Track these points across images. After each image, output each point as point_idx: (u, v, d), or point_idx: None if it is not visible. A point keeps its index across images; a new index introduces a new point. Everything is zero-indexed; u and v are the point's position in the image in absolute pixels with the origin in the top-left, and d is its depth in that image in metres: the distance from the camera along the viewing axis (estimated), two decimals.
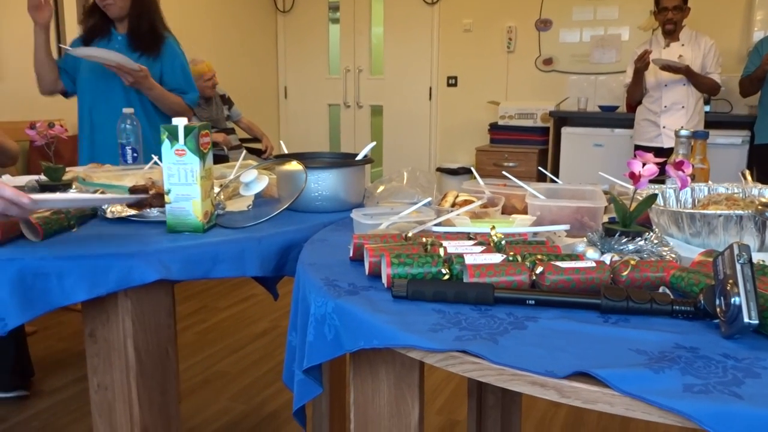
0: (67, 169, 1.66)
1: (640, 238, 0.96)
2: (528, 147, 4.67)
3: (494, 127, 4.87)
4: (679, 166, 0.98)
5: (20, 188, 1.46)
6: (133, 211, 1.28)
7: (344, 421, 1.77)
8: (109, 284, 1.04)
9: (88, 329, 1.17)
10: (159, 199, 1.30)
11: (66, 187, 1.46)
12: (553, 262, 0.85)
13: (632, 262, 0.85)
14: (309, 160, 1.48)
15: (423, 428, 0.89)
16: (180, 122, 1.19)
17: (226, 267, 1.15)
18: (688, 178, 0.99)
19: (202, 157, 1.20)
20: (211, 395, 2.34)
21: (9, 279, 1.01)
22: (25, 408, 2.23)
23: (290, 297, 2.39)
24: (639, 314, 0.77)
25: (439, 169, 5.19)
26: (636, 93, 3.72)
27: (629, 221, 0.99)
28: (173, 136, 1.19)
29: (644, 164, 0.96)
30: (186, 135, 1.18)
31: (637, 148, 3.77)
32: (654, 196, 0.99)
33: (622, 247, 0.95)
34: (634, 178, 0.96)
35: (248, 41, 5.50)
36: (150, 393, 1.16)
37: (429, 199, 1.24)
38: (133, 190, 1.36)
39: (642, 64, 3.50)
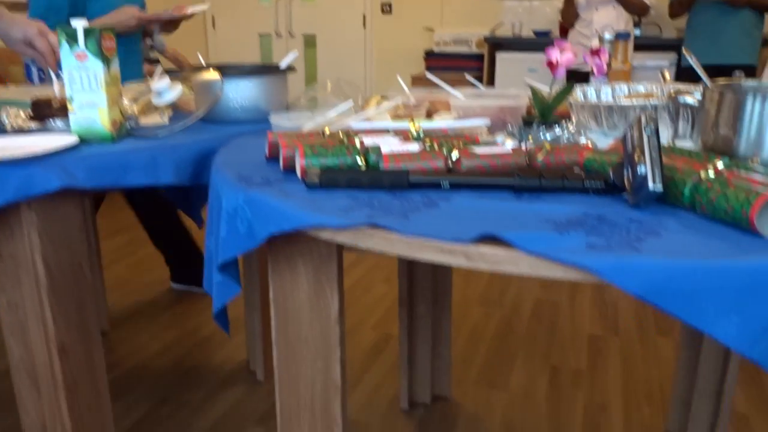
0: None
1: (558, 127, 0.96)
2: (463, 74, 4.64)
3: (430, 55, 4.80)
4: (595, 53, 0.97)
5: None
6: (35, 124, 1.20)
7: None
8: (7, 194, 0.98)
9: None
10: (63, 110, 1.22)
11: None
12: (470, 149, 0.84)
13: (547, 147, 0.85)
14: (229, 69, 1.41)
15: (343, 320, 0.88)
16: (79, 24, 1.10)
17: (138, 175, 1.09)
18: (605, 65, 0.98)
19: (106, 61, 1.12)
20: (141, 325, 2.30)
21: None
22: None
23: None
24: (552, 191, 0.77)
25: None
26: (569, 15, 3.72)
27: (548, 112, 0.99)
28: (72, 39, 1.10)
29: (561, 51, 0.95)
30: (86, 38, 1.10)
31: (570, 72, 3.81)
32: (571, 86, 0.99)
33: (540, 136, 0.95)
34: (552, 66, 0.95)
35: None
36: (65, 310, 1.12)
37: (350, 101, 1.20)
38: (35, 104, 1.26)
39: None
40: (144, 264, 2.90)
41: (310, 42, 5.53)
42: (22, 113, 1.26)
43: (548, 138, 0.95)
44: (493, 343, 2.14)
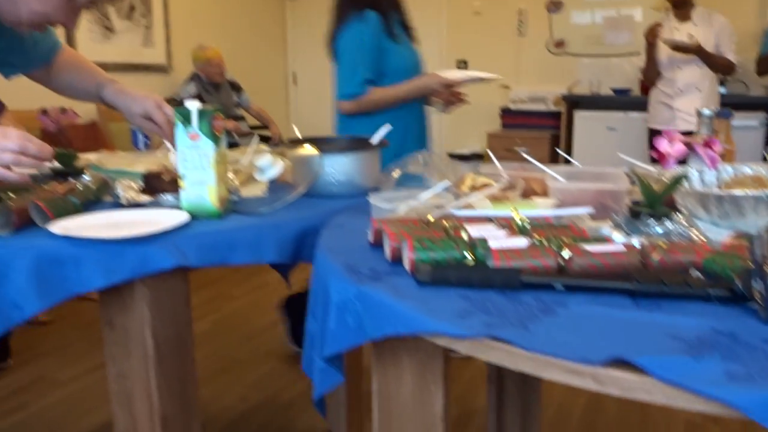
0: (79, 155, 1.64)
1: (667, 220, 0.93)
2: (540, 131, 4.62)
3: (505, 112, 4.82)
4: (708, 144, 0.95)
5: (33, 176, 1.45)
6: (148, 198, 1.27)
7: (361, 408, 1.77)
8: (125, 271, 1.03)
9: (106, 317, 1.15)
10: (173, 185, 1.28)
11: (79, 173, 1.44)
12: (580, 246, 0.83)
13: (663, 245, 0.83)
14: (324, 144, 1.46)
15: (448, 417, 0.87)
16: (193, 106, 1.17)
17: (244, 253, 1.13)
18: (718, 158, 0.96)
19: (216, 140, 1.18)
20: (228, 384, 2.34)
21: (26, 266, 0.99)
22: (42, 396, 2.24)
23: (303, 284, 2.38)
24: (672, 298, 0.75)
25: (449, 155, 5.15)
26: (651, 73, 3.66)
27: (656, 203, 0.97)
28: (186, 120, 1.17)
29: (672, 142, 0.93)
30: (200, 119, 1.16)
31: (652, 131, 3.73)
32: (682, 176, 0.96)
33: (649, 230, 0.93)
34: (662, 157, 0.93)
35: (257, 28, 5.46)
36: (169, 381, 1.15)
37: (447, 182, 1.22)
38: (147, 177, 1.34)
39: (651, 37, 3.45)
40: (229, 321, 2.97)
41: None
42: (134, 185, 1.33)
43: (659, 231, 0.93)
44: (582, 423, 2.05)
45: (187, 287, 1.18)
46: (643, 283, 0.75)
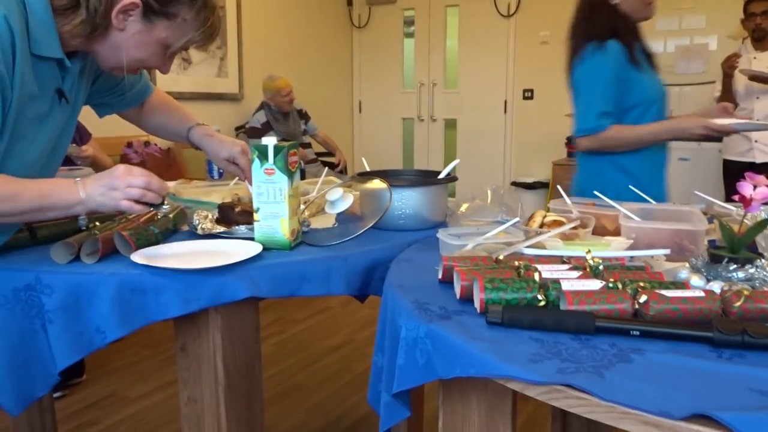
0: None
1: (750, 266, 0.90)
2: None
3: (572, 141, 4.74)
4: None
5: None
6: (222, 228, 1.32)
7: None
8: (202, 300, 1.07)
9: (180, 343, 1.20)
10: (245, 216, 1.33)
11: (160, 203, 1.51)
12: (657, 291, 0.81)
13: (745, 293, 0.80)
14: (392, 178, 1.48)
15: None
16: (270, 141, 1.21)
17: (313, 286, 1.16)
18: None
19: (290, 176, 1.22)
20: (289, 408, 2.37)
21: (110, 294, 1.05)
22: (113, 412, 2.33)
23: (364, 310, 2.40)
24: (756, 349, 0.72)
25: (513, 183, 5.10)
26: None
27: (738, 247, 0.93)
28: (263, 156, 1.21)
29: (755, 186, 0.90)
30: (275, 155, 1.20)
31: (727, 162, 3.59)
32: (767, 221, 0.93)
33: (730, 275, 0.90)
34: (745, 201, 0.90)
35: (324, 56, 5.60)
36: (237, 407, 1.18)
37: (517, 219, 1.21)
38: (221, 208, 1.39)
39: (728, 67, 3.34)
40: (290, 345, 3.02)
41: (450, 125, 5.68)
42: (209, 215, 1.39)
43: (741, 277, 0.89)
44: None
45: (258, 316, 1.21)
46: (725, 332, 0.72)
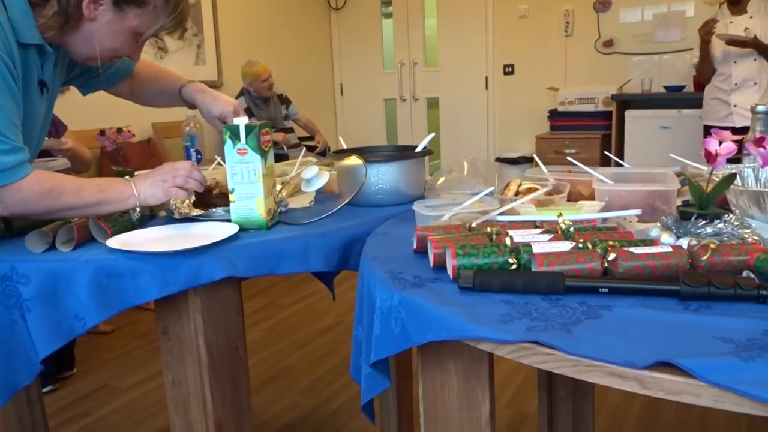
0: (136, 172, 1.71)
1: (719, 221, 0.91)
2: (590, 132, 4.53)
3: (554, 114, 4.75)
4: (760, 142, 0.92)
5: None
6: (199, 211, 1.31)
7: (412, 414, 1.77)
8: (179, 282, 1.07)
9: (161, 327, 1.20)
10: (223, 198, 1.32)
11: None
12: (626, 248, 0.82)
13: (712, 246, 0.81)
14: (368, 154, 1.48)
15: (495, 421, 0.87)
16: (241, 122, 1.20)
17: (291, 263, 1.16)
18: None
19: (264, 155, 1.21)
20: (279, 391, 2.39)
21: (87, 280, 1.05)
22: (105, 403, 2.33)
23: (352, 292, 2.41)
24: (722, 300, 0.73)
25: (498, 159, 5.11)
26: (705, 69, 3.55)
27: (706, 203, 0.94)
28: (235, 136, 1.20)
29: (721, 142, 0.91)
30: (247, 134, 1.20)
31: (708, 128, 3.61)
32: (733, 176, 0.94)
33: (699, 231, 0.91)
34: (711, 157, 0.91)
35: (303, 40, 5.56)
36: (222, 388, 1.19)
37: (492, 188, 1.22)
38: (198, 191, 1.38)
39: (705, 33, 3.35)
40: (280, 327, 3.03)
41: (432, 104, 5.67)
42: (186, 200, 1.38)
43: (709, 232, 0.90)
44: (638, 428, 2.01)
45: (239, 297, 1.21)
46: (692, 285, 0.73)
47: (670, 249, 0.81)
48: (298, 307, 3.28)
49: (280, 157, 3.99)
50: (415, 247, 1.00)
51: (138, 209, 1.22)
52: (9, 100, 1.06)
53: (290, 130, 4.48)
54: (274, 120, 4.30)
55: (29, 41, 1.10)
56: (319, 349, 2.75)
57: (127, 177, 1.21)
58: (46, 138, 1.63)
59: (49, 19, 1.09)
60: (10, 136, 1.06)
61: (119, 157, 1.60)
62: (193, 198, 1.37)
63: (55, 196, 1.10)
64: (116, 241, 1.11)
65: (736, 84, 3.44)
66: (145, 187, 1.18)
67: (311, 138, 4.66)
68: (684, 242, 0.86)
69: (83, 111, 1.47)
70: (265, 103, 4.28)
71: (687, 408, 2.10)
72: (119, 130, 1.55)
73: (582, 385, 1.61)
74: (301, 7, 5.53)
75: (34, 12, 1.09)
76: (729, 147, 0.90)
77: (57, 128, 2.40)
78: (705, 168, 1.40)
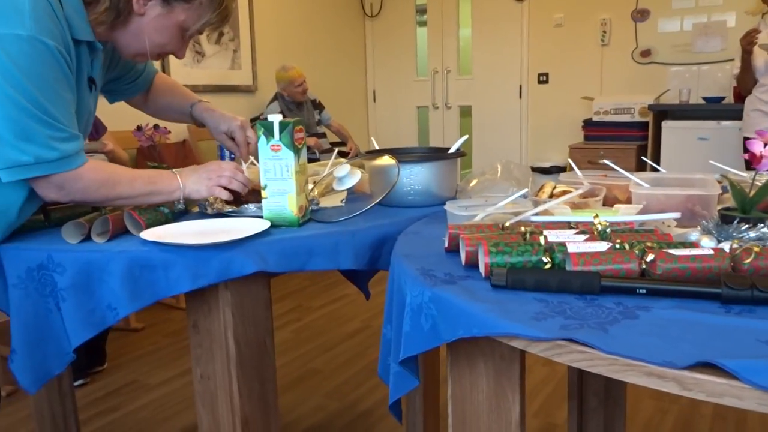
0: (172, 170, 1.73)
1: (762, 225, 0.88)
2: (625, 143, 4.46)
3: (588, 124, 4.69)
4: None
5: None
6: (231, 207, 1.32)
7: (438, 416, 1.75)
8: (210, 276, 1.07)
9: (191, 320, 1.21)
10: (255, 195, 1.33)
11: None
12: (665, 250, 0.79)
13: (756, 249, 0.78)
14: (401, 154, 1.47)
15: (524, 425, 0.85)
16: (275, 118, 1.21)
17: (321, 260, 1.16)
18: None
19: (297, 152, 1.22)
20: (306, 392, 2.39)
21: (120, 271, 1.06)
22: (134, 399, 2.36)
23: (380, 297, 2.38)
24: (766, 305, 0.70)
25: (531, 168, 5.06)
26: (746, 80, 3.47)
27: (749, 207, 0.92)
28: (269, 132, 1.21)
29: (766, 144, 0.88)
30: (281, 131, 1.20)
31: (748, 140, 3.52)
32: None
33: (742, 235, 0.88)
34: (755, 159, 0.88)
35: (337, 46, 5.59)
36: (249, 383, 1.19)
37: (525, 190, 1.20)
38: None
39: (746, 43, 3.27)
40: (308, 330, 3.03)
41: (465, 112, 5.65)
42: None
43: (752, 236, 0.87)
44: None
45: (268, 293, 1.21)
46: (734, 287, 0.71)
47: (711, 252, 0.79)
48: (326, 311, 3.29)
49: (312, 162, 4.02)
50: (446, 245, 0.98)
51: (182, 201, 1.24)
52: (68, 92, 1.10)
53: (322, 135, 4.50)
54: (307, 125, 4.33)
55: (82, 38, 1.12)
56: (345, 353, 2.75)
57: (173, 170, 1.25)
58: (88, 141, 1.66)
59: (100, 14, 1.12)
60: (69, 125, 1.09)
61: (155, 153, 1.63)
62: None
63: (111, 186, 1.15)
64: (150, 234, 1.13)
65: None
66: (191, 182, 1.23)
67: (343, 143, 4.68)
68: (726, 246, 0.84)
69: (119, 111, 1.50)
70: (298, 108, 4.32)
71: (722, 422, 2.04)
72: (156, 127, 1.58)
73: (614, 396, 1.57)
74: (337, 13, 5.57)
75: (87, 9, 1.12)
76: None
77: (97, 128, 2.45)
78: (746, 175, 1.36)
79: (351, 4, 5.76)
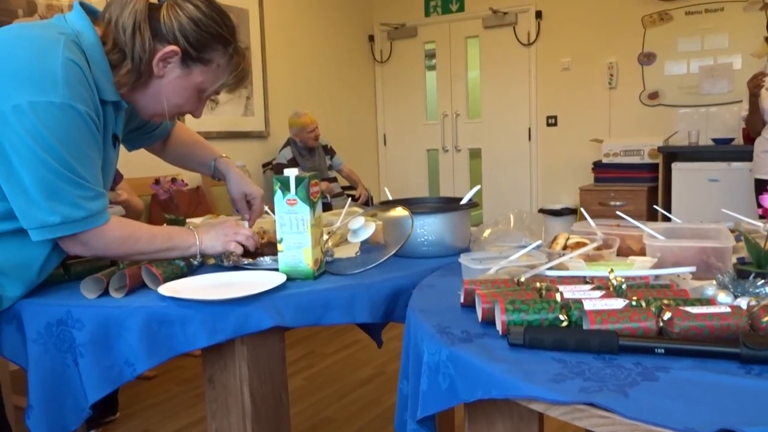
0: (187, 220, 1.76)
1: None
2: (636, 185, 4.47)
3: (598, 166, 4.71)
4: None
5: None
6: (248, 260, 1.33)
7: None
8: (227, 331, 1.08)
9: (207, 374, 1.21)
10: (271, 247, 1.34)
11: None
12: (682, 307, 0.80)
13: None
14: (414, 205, 1.49)
15: None
16: (291, 173, 1.23)
17: (337, 314, 1.16)
18: None
19: (312, 206, 1.24)
20: None
21: (137, 326, 1.07)
22: None
23: (393, 342, 2.37)
24: None
25: (541, 210, 5.07)
26: (755, 122, 3.48)
27: (765, 261, 0.92)
28: (285, 187, 1.23)
29: None
30: (297, 185, 1.22)
31: (759, 181, 3.52)
32: None
33: (758, 290, 0.88)
34: (767, 213, 0.89)
35: (348, 91, 5.69)
36: None
37: (539, 242, 1.21)
38: None
39: (753, 86, 3.30)
40: (321, 377, 3.01)
41: (475, 155, 5.69)
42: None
43: None
44: None
45: (283, 346, 1.22)
46: (753, 347, 0.71)
47: (728, 309, 0.79)
48: (339, 357, 3.26)
49: (324, 206, 4.04)
50: (462, 300, 0.99)
51: (199, 257, 1.27)
52: (95, 152, 1.14)
53: (334, 180, 4.54)
54: (318, 170, 4.38)
55: (108, 98, 1.16)
56: (359, 400, 2.72)
57: (190, 227, 1.29)
58: None
59: (123, 76, 1.16)
60: (96, 183, 1.13)
61: (172, 205, 1.65)
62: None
63: (132, 243, 1.18)
64: (167, 288, 1.14)
65: None
66: (207, 239, 1.27)
67: (354, 188, 4.72)
68: (743, 302, 0.84)
69: (135, 158, 1.54)
70: (310, 154, 4.37)
71: None
72: (173, 180, 1.61)
73: None
74: (347, 59, 5.68)
75: (113, 71, 1.16)
76: None
77: (114, 177, 2.49)
78: (760, 224, 1.36)
79: (361, 49, 5.88)
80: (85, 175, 1.09)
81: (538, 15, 5.15)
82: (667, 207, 4.30)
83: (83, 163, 1.08)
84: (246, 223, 1.46)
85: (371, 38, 5.93)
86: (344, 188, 4.63)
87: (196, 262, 1.32)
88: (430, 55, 5.84)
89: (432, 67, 5.85)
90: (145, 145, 1.51)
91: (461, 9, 5.52)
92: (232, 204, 1.52)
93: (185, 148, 1.56)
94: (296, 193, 1.23)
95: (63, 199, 1.06)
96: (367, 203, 4.74)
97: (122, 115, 1.26)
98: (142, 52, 1.13)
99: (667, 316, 0.79)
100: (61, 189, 1.05)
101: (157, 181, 1.62)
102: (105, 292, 1.15)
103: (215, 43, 1.19)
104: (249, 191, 1.49)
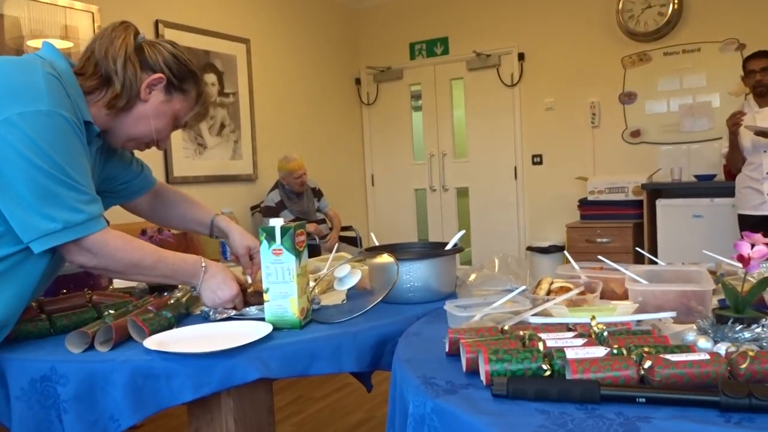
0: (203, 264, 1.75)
1: (756, 325, 0.90)
2: (621, 221, 4.52)
3: (584, 203, 4.76)
4: None
5: (131, 291, 1.56)
6: (233, 310, 1.33)
7: None
8: (213, 384, 1.08)
9: (194, 427, 1.20)
10: (257, 296, 1.35)
11: (172, 287, 1.54)
12: (662, 356, 0.81)
13: (750, 353, 0.80)
14: (399, 251, 1.50)
15: None
16: (277, 223, 1.24)
17: (324, 364, 1.16)
18: None
19: (298, 255, 1.24)
20: None
21: (123, 381, 1.06)
22: None
23: (384, 385, 2.35)
24: (764, 412, 0.71)
25: (529, 248, 5.10)
26: (735, 159, 3.56)
27: (743, 306, 0.93)
28: (270, 237, 1.24)
29: (753, 245, 0.91)
30: (282, 235, 1.23)
31: (742, 217, 3.58)
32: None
33: (737, 336, 0.89)
34: (744, 261, 0.91)
35: (335, 134, 5.75)
36: None
37: (524, 287, 1.22)
38: None
39: (732, 124, 3.38)
40: (310, 423, 2.97)
41: (462, 193, 5.74)
42: None
43: (747, 336, 0.89)
44: None
45: (271, 397, 1.21)
46: (732, 395, 0.72)
47: (707, 356, 0.80)
48: (329, 401, 3.22)
49: (312, 248, 4.05)
50: (447, 350, 1.00)
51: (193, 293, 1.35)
52: (85, 160, 1.16)
53: (322, 221, 4.56)
54: (306, 212, 4.40)
55: (87, 118, 1.19)
56: None
57: (203, 264, 1.31)
58: None
59: (111, 99, 1.22)
60: (90, 189, 1.15)
61: None
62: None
63: (137, 252, 1.21)
64: (153, 342, 1.13)
65: (767, 173, 3.43)
66: (208, 287, 1.31)
67: (343, 229, 4.73)
68: (722, 348, 0.85)
69: (119, 207, 1.53)
70: (298, 197, 4.40)
71: None
72: (159, 231, 1.62)
73: None
74: (334, 102, 5.76)
75: (90, 95, 1.21)
76: (761, 251, 0.90)
77: None
78: (740, 265, 1.38)
79: (348, 92, 5.97)
80: (79, 179, 1.11)
81: (521, 57, 5.26)
82: (653, 243, 4.34)
83: (75, 168, 1.11)
84: (248, 278, 1.49)
85: (358, 81, 6.03)
86: (332, 230, 4.65)
87: (185, 298, 1.37)
88: (416, 96, 5.93)
89: (418, 108, 5.94)
90: (122, 199, 1.49)
91: (446, 52, 5.63)
92: (234, 261, 1.54)
93: (175, 208, 1.57)
94: (282, 243, 1.24)
95: (61, 203, 1.08)
96: (356, 243, 4.75)
97: (94, 142, 1.26)
98: (133, 78, 1.22)
99: (647, 364, 0.80)
100: (58, 193, 1.08)
101: (143, 232, 1.63)
102: (90, 346, 1.15)
103: (191, 77, 1.30)
104: (253, 245, 1.51)
